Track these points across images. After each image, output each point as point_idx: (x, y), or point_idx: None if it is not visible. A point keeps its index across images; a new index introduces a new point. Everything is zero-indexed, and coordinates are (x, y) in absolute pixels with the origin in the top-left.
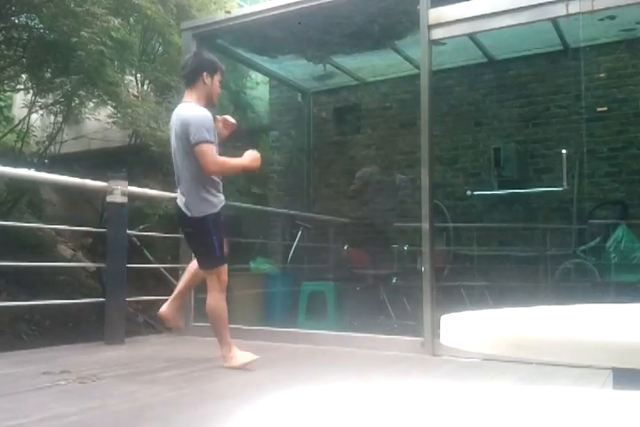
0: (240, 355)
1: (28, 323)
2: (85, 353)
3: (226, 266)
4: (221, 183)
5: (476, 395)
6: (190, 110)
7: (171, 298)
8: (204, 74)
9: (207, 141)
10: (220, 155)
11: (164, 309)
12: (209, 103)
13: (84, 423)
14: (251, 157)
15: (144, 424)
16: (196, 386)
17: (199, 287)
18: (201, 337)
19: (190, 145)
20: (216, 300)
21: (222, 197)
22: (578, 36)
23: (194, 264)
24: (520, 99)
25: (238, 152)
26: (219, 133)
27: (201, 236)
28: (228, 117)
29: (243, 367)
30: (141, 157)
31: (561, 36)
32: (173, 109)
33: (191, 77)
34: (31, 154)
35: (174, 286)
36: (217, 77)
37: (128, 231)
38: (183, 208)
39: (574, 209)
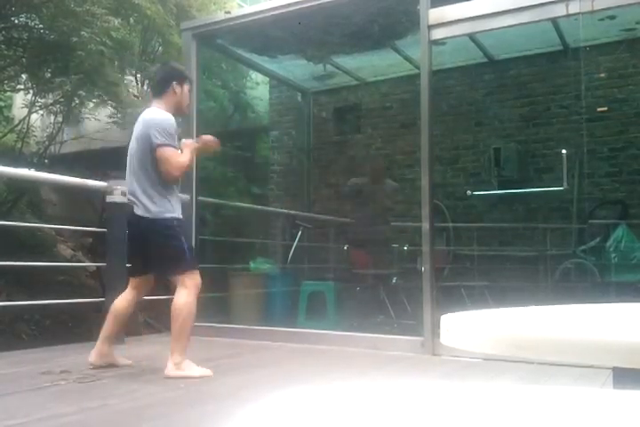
0: (194, 369)
1: (27, 323)
2: (85, 353)
3: (197, 271)
4: (176, 188)
5: (476, 395)
6: (155, 114)
7: (97, 344)
8: (174, 83)
9: (170, 145)
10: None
11: (93, 357)
12: (179, 112)
13: (83, 423)
14: (185, 144)
15: (144, 424)
16: (196, 386)
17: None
18: (201, 337)
19: (151, 148)
20: (191, 302)
21: (179, 200)
22: (578, 36)
23: (117, 304)
24: (520, 99)
25: (238, 152)
26: (202, 152)
27: (167, 238)
28: (209, 137)
29: (191, 377)
30: None
31: (561, 36)
32: None
33: (160, 87)
34: (31, 154)
35: (174, 286)
36: (186, 87)
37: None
38: (140, 211)
39: (574, 209)
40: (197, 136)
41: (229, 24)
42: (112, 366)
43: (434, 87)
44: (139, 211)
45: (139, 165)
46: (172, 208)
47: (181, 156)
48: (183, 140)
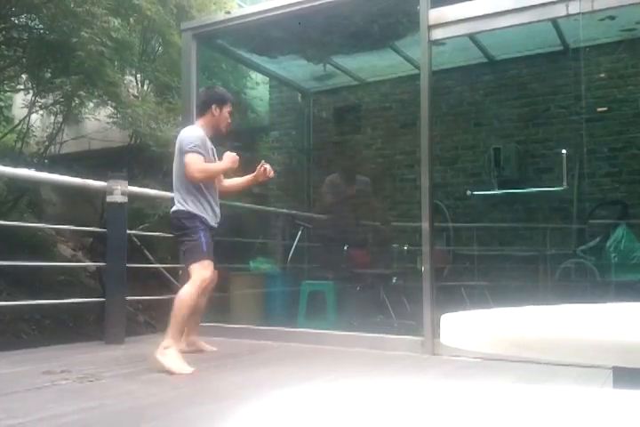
0: (176, 361)
1: (28, 322)
2: (85, 353)
3: (211, 264)
4: (213, 201)
5: (476, 395)
6: (186, 130)
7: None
8: (214, 106)
9: (194, 151)
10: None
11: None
12: (216, 132)
13: (83, 423)
14: (230, 158)
15: (143, 424)
16: (196, 386)
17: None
18: (200, 337)
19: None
20: (189, 292)
21: (212, 213)
22: (578, 37)
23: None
24: (520, 99)
25: (238, 152)
26: (254, 179)
27: (188, 231)
28: (268, 167)
29: (167, 371)
30: (141, 157)
31: (561, 36)
32: (173, 109)
33: (202, 108)
34: (31, 154)
35: (174, 286)
36: (226, 108)
37: (128, 231)
38: (175, 208)
39: (574, 209)
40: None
41: (229, 24)
42: (199, 351)
43: (434, 87)
44: (173, 208)
45: (176, 174)
46: (195, 208)
47: (209, 164)
48: (227, 153)
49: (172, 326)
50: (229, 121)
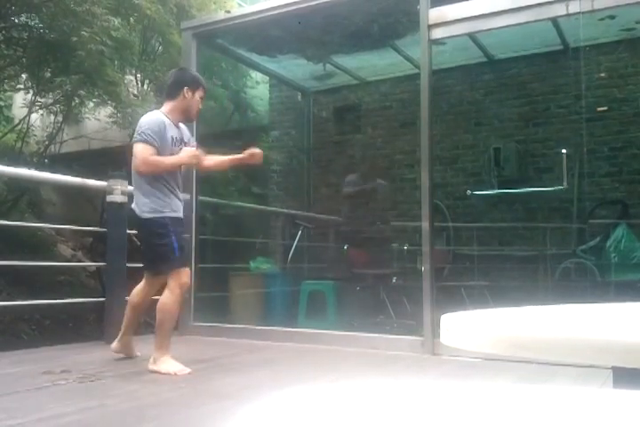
0: (173, 364)
1: (28, 323)
2: (85, 353)
3: (187, 268)
4: (175, 186)
5: (476, 395)
6: (145, 116)
7: (120, 334)
8: (185, 88)
9: (143, 141)
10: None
11: (114, 345)
12: (186, 117)
13: (83, 423)
14: (187, 153)
15: (143, 424)
16: (196, 386)
17: (199, 287)
18: (201, 337)
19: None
20: (172, 301)
21: (175, 200)
22: (578, 36)
23: (133, 296)
24: (520, 98)
25: (238, 152)
26: (239, 161)
27: (153, 237)
28: (255, 150)
29: (167, 373)
30: None
31: (561, 36)
32: None
33: (172, 90)
34: (31, 154)
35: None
36: (198, 93)
37: (128, 231)
38: (135, 209)
39: (574, 209)
40: (244, 149)
41: (229, 24)
42: (125, 354)
43: (434, 87)
44: (135, 208)
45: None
46: (157, 207)
47: (162, 157)
48: (185, 148)
49: (159, 338)
50: (200, 107)
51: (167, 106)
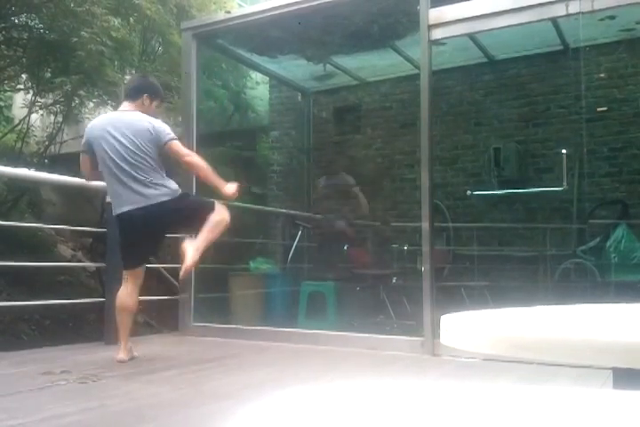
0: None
1: (27, 323)
2: (85, 353)
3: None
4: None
5: (476, 395)
6: (153, 119)
7: (122, 343)
8: (145, 95)
9: (178, 139)
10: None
11: (121, 355)
12: None
13: (83, 423)
14: (227, 186)
15: (144, 424)
16: (196, 386)
17: (199, 287)
18: (201, 337)
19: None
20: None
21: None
22: (578, 36)
23: (124, 300)
24: (520, 99)
25: (238, 152)
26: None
27: (190, 197)
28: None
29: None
30: None
31: (561, 36)
32: (173, 109)
33: (133, 93)
34: (31, 154)
35: (174, 286)
36: (155, 103)
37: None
38: (165, 194)
39: (574, 209)
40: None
41: (229, 24)
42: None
43: (434, 87)
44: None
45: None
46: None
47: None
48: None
49: (207, 235)
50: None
51: (129, 106)
